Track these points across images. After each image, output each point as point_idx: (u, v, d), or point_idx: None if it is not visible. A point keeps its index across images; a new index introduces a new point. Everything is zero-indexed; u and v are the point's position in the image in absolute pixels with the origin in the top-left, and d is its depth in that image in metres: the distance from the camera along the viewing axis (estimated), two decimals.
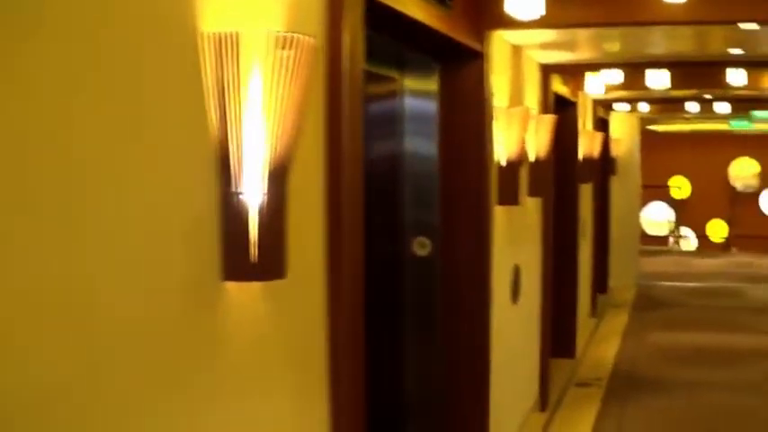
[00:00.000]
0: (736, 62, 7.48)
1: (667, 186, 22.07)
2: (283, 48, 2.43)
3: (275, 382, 2.85)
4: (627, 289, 13.78)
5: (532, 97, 7.09)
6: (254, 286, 2.64)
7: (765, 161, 24.47)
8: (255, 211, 2.47)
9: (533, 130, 6.61)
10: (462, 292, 5.25)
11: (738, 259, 18.15)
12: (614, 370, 9.25)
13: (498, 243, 5.65)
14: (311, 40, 2.50)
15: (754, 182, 24.62)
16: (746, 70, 7.76)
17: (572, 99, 9.21)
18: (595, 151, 10.73)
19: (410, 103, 5.32)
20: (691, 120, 18.43)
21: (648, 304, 12.80)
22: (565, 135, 9.22)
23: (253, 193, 2.46)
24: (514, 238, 6.41)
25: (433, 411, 5.45)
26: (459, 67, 5.19)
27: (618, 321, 11.58)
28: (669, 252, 18.95)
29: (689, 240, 24.28)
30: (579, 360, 9.59)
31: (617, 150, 13.88)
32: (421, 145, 5.29)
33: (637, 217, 14.77)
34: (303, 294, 3.02)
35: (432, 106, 5.28)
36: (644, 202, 23.90)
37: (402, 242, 5.32)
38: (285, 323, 2.90)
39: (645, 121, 15.94)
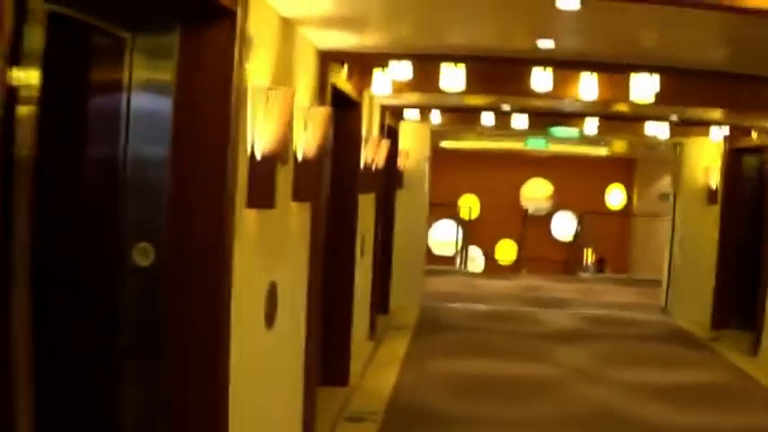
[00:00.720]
0: (543, 60, 6.65)
1: (457, 205, 21.49)
2: None
3: None
4: (410, 310, 12.95)
5: (305, 87, 6.04)
6: None
7: (558, 183, 24.41)
8: None
9: (303, 123, 5.59)
10: (193, 312, 4.11)
11: (528, 282, 17.62)
12: (392, 401, 8.29)
13: (246, 254, 4.54)
14: None
15: (545, 204, 24.50)
16: (553, 71, 6.92)
17: (356, 99, 8.25)
18: (380, 160, 9.80)
19: (141, 74, 4.17)
20: (485, 136, 17.92)
21: (433, 327, 11.96)
22: (346, 138, 8.31)
23: None
24: (271, 249, 5.31)
25: None
26: (202, 27, 4.08)
27: (399, 345, 10.67)
28: (456, 273, 18.27)
29: (477, 261, 23.89)
30: (353, 389, 8.60)
31: (405, 163, 13.04)
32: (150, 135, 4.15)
33: (423, 234, 13.96)
34: None
35: (169, 80, 4.17)
36: (432, 221, 23.52)
37: (121, 250, 4.16)
38: None
39: (437, 134, 15.21)
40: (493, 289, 16.21)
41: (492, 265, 24.07)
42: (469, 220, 20.63)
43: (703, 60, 6.45)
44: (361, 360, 9.53)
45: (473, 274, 19.01)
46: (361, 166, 8.71)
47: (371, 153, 8.97)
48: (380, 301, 11.89)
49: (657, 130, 11.58)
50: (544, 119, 12.04)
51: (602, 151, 20.62)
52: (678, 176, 13.76)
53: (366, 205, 9.56)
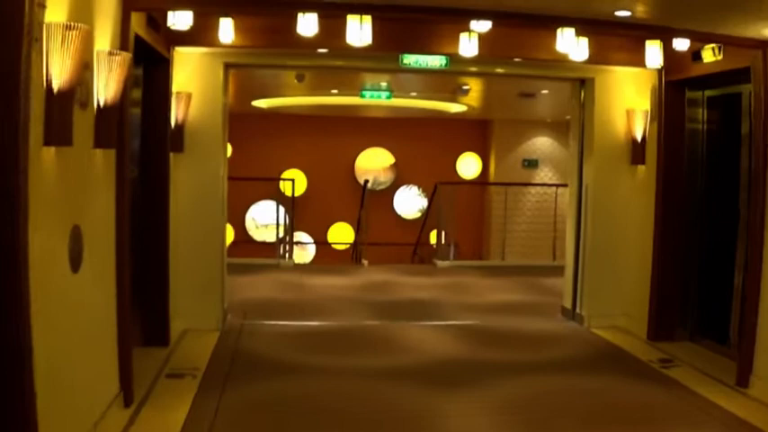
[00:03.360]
0: None
1: (279, 180, 16.96)
2: None
3: None
4: (204, 337, 8.52)
5: None
6: None
7: (400, 152, 20.59)
8: None
9: None
10: None
11: (372, 277, 13.15)
12: None
13: None
14: None
15: (386, 177, 20.57)
16: None
17: None
18: (112, 90, 5.32)
19: None
20: (310, 89, 13.64)
21: (236, 368, 7.55)
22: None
23: None
24: None
25: None
26: None
27: (173, 413, 6.18)
28: (278, 267, 13.72)
29: (306, 250, 19.78)
30: None
31: (185, 113, 8.55)
32: None
33: (220, 221, 9.21)
34: None
35: None
36: (249, 200, 19.42)
37: None
38: None
39: (244, 86, 10.80)
40: (327, 290, 11.78)
41: (325, 253, 20.02)
42: (293, 198, 15.71)
43: None
44: None
45: (300, 268, 14.43)
46: (53, 89, 4.24)
47: (72, 65, 4.42)
48: (148, 327, 7.54)
49: (572, 45, 7.41)
50: (395, 36, 7.84)
51: (456, 108, 16.53)
52: (585, 127, 9.69)
53: (82, 171, 5.11)
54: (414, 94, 14.65)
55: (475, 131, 20.74)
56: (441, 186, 15.23)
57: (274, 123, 19.18)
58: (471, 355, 8.20)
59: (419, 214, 20.55)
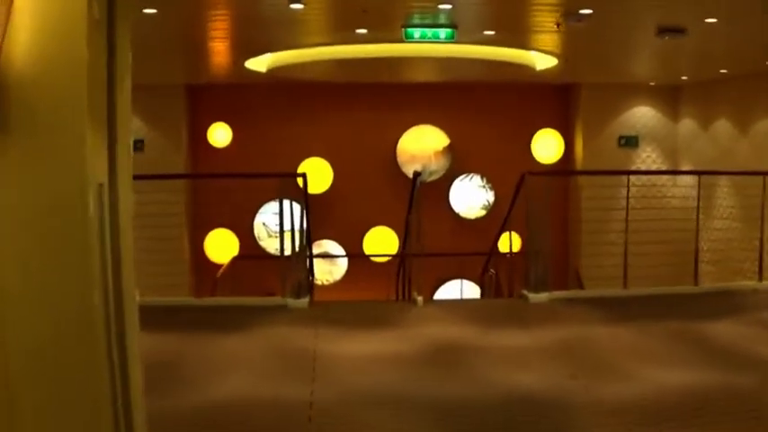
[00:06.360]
0: None
1: (295, 175, 11.87)
2: None
3: None
4: None
5: None
6: None
7: (457, 130, 15.90)
8: None
9: None
10: None
11: (431, 332, 7.78)
12: None
13: None
14: None
15: (438, 164, 15.79)
16: None
17: None
18: None
19: None
20: (317, 21, 8.87)
21: None
22: None
23: None
24: None
25: None
26: None
27: None
28: (285, 311, 8.74)
29: (337, 264, 15.20)
30: None
31: None
32: None
33: (93, 270, 3.80)
34: None
35: None
36: (258, 200, 15.11)
37: None
38: None
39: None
40: (356, 374, 6.59)
41: (359, 269, 15.29)
42: (306, 201, 10.28)
43: None
44: None
45: (319, 311, 9.22)
46: None
47: None
48: None
49: None
50: None
51: (544, 61, 11.73)
52: None
53: None
54: (489, 32, 9.60)
55: (554, 101, 16.06)
56: (529, 178, 10.07)
57: (285, 95, 14.60)
58: None
59: (483, 212, 15.78)
